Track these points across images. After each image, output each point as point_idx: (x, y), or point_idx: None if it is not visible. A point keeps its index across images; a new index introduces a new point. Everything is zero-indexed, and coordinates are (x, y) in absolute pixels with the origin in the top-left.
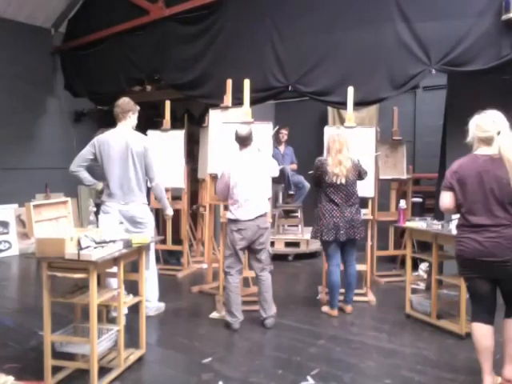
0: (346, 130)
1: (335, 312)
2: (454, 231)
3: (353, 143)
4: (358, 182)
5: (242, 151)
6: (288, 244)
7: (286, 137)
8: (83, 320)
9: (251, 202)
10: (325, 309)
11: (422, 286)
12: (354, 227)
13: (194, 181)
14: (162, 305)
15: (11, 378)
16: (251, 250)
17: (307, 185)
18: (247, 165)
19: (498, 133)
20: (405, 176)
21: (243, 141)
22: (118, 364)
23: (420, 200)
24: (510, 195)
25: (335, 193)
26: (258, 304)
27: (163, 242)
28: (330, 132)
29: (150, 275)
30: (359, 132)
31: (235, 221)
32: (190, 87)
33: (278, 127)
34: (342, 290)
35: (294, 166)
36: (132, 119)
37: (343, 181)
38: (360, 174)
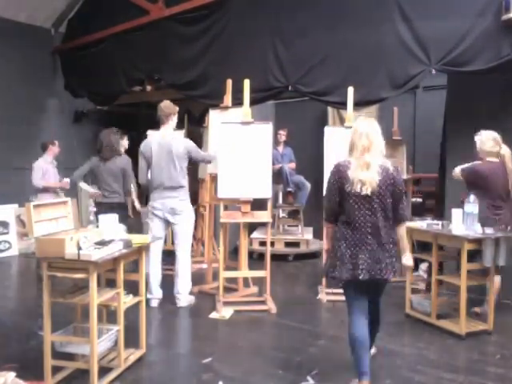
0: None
1: None
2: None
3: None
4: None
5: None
6: (288, 244)
7: (284, 137)
8: (83, 320)
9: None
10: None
11: (421, 286)
12: (380, 262)
13: (194, 181)
14: (193, 297)
15: (12, 374)
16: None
17: (308, 184)
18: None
19: None
20: (405, 176)
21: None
22: (118, 364)
23: (420, 200)
24: None
25: (357, 209)
26: (256, 304)
27: (163, 242)
28: (358, 121)
29: (181, 269)
30: None
31: None
32: (190, 87)
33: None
34: None
35: (293, 165)
36: (174, 121)
37: (369, 191)
38: (395, 192)
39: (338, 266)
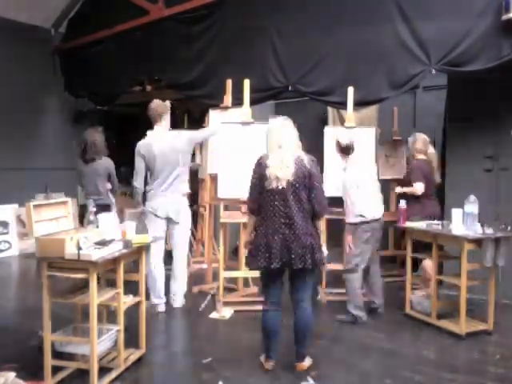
0: (288, 121)
1: (269, 364)
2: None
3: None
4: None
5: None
6: None
7: None
8: (83, 320)
9: None
10: (261, 358)
11: (421, 285)
12: (298, 251)
13: (194, 181)
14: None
15: (12, 375)
16: None
17: None
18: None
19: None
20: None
21: (346, 150)
22: (118, 364)
23: None
24: None
25: (272, 202)
26: (256, 304)
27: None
28: (272, 123)
29: (179, 269)
30: (359, 132)
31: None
32: (190, 87)
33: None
34: None
35: None
36: (167, 120)
37: (284, 185)
38: (311, 185)
39: (256, 255)
